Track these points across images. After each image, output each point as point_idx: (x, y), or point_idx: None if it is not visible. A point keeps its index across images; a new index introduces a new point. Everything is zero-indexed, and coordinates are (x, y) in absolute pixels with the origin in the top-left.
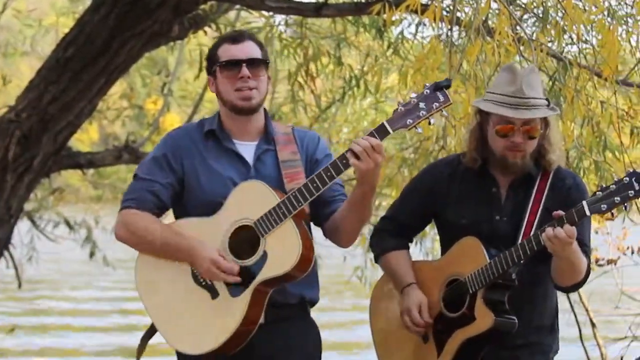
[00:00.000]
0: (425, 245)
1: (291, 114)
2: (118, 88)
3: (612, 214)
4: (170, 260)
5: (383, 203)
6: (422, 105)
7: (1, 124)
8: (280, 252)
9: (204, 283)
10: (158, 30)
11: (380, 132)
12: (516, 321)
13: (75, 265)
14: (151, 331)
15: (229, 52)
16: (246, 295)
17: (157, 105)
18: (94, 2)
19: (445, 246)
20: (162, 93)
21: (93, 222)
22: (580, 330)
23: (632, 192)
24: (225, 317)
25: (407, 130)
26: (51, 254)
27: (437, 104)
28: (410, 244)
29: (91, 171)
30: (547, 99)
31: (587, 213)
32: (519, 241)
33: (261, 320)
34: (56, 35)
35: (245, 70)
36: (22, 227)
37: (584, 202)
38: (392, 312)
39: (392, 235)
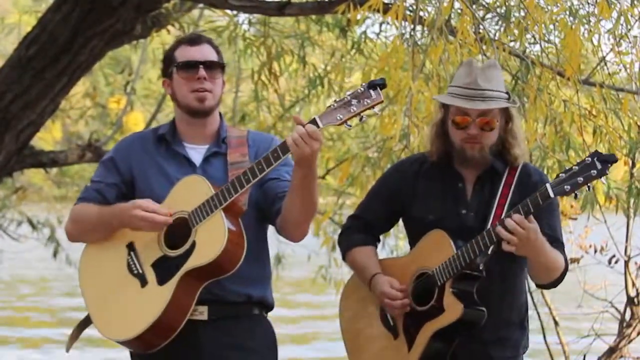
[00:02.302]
0: (389, 244)
1: (255, 113)
2: (81, 87)
3: (576, 195)
4: (109, 249)
5: (347, 202)
6: (354, 102)
7: None
8: (206, 242)
9: (135, 272)
10: (121, 29)
11: (312, 125)
12: (485, 312)
13: None
14: (86, 321)
15: (186, 53)
16: (172, 283)
17: (120, 104)
18: (56, 0)
19: (413, 243)
20: (125, 92)
21: (56, 221)
22: (543, 330)
23: (595, 171)
24: (150, 304)
25: (337, 125)
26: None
27: (368, 101)
28: (377, 242)
29: (54, 170)
30: (507, 93)
31: (551, 194)
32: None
33: (204, 317)
34: (18, 34)
35: (202, 72)
36: None
37: (547, 185)
38: (362, 310)
39: (358, 232)
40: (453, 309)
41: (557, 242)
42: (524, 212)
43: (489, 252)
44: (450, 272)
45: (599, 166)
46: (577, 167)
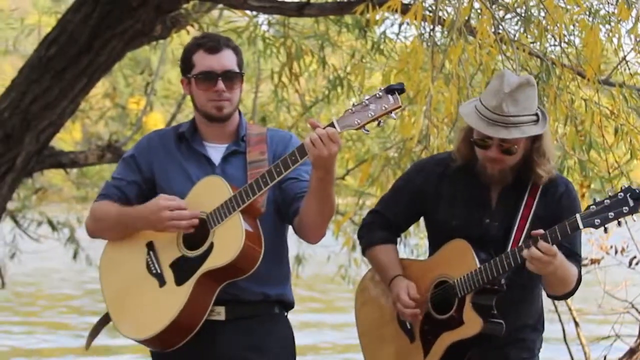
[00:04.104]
0: (410, 243)
1: (275, 114)
2: (101, 88)
3: (606, 229)
4: (129, 249)
5: (367, 202)
6: (372, 106)
7: None
8: (224, 244)
9: (154, 272)
10: (140, 30)
11: (332, 127)
12: (504, 325)
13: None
14: (105, 319)
15: (205, 62)
16: (189, 284)
17: (139, 104)
18: (76, 1)
19: (435, 246)
20: (144, 93)
21: (76, 221)
22: (564, 330)
23: (627, 208)
24: (167, 304)
25: (355, 129)
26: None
27: (385, 107)
28: (398, 239)
29: (74, 171)
30: (537, 113)
31: (581, 227)
32: (509, 247)
33: (221, 317)
34: (38, 35)
35: (220, 85)
36: (5, 226)
37: (578, 216)
38: (378, 310)
39: (380, 228)
40: (472, 324)
41: (574, 256)
42: (551, 240)
43: (512, 269)
44: (472, 286)
45: (631, 203)
46: (608, 201)
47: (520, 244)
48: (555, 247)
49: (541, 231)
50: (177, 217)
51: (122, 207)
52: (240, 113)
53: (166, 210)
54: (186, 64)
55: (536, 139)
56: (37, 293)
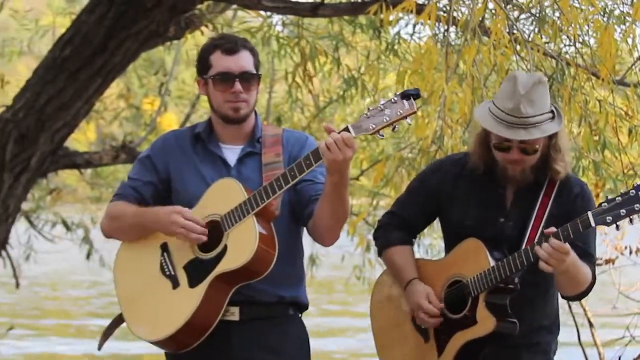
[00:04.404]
0: (424, 243)
1: (289, 114)
2: (115, 88)
3: (617, 226)
4: (143, 250)
5: (381, 203)
6: (387, 111)
7: None
8: (237, 246)
9: (167, 273)
10: (154, 30)
11: (347, 132)
12: (517, 324)
13: None
14: (118, 320)
15: (222, 63)
16: (203, 286)
17: (154, 105)
18: (91, 2)
19: (449, 245)
20: (159, 93)
21: (90, 222)
22: (578, 331)
23: (638, 205)
24: (181, 306)
25: (370, 134)
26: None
27: (400, 112)
28: (414, 240)
29: (88, 171)
30: (552, 110)
31: (592, 224)
32: (524, 246)
33: (235, 317)
34: (53, 36)
35: (238, 86)
36: (20, 227)
37: (590, 213)
38: (393, 310)
39: (396, 229)
40: (486, 322)
41: (587, 256)
42: (563, 237)
43: (525, 268)
44: (486, 285)
45: None
46: (620, 199)
47: (533, 242)
48: (567, 245)
49: (553, 229)
50: (191, 225)
51: (138, 207)
52: (256, 114)
53: (180, 215)
54: (203, 65)
55: (552, 136)
56: (51, 294)
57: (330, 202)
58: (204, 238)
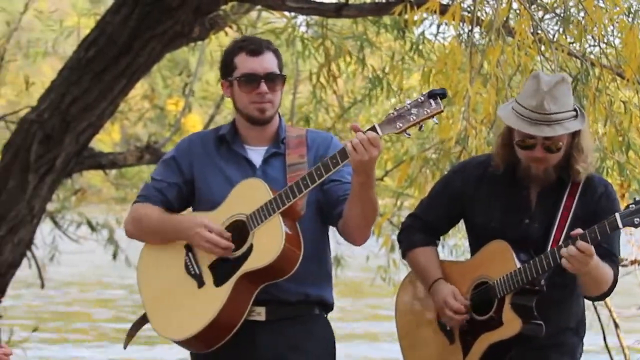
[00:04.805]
0: (449, 244)
1: (313, 115)
2: (139, 89)
3: None
4: (167, 249)
5: (405, 203)
6: (414, 111)
7: (23, 124)
8: (263, 245)
9: (192, 272)
10: (179, 31)
11: (372, 132)
12: (543, 326)
13: None
14: (143, 319)
15: (247, 64)
16: (228, 285)
17: (178, 106)
18: (115, 3)
19: (474, 247)
20: (183, 94)
21: (115, 222)
22: (604, 332)
23: None
24: (206, 305)
25: (397, 133)
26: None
27: (427, 111)
28: (437, 241)
29: (113, 172)
30: (575, 109)
31: (620, 226)
32: (549, 247)
33: (262, 318)
34: (78, 36)
35: (263, 87)
36: (45, 228)
37: (617, 215)
38: (418, 311)
39: (419, 231)
40: (512, 324)
41: (611, 256)
42: (590, 239)
43: (551, 269)
44: (512, 286)
45: None
46: None
47: (559, 243)
48: (592, 248)
49: (580, 230)
50: (215, 239)
51: (163, 214)
52: (279, 115)
53: (205, 229)
54: (227, 67)
55: (575, 135)
56: (76, 294)
57: (358, 202)
58: (229, 251)
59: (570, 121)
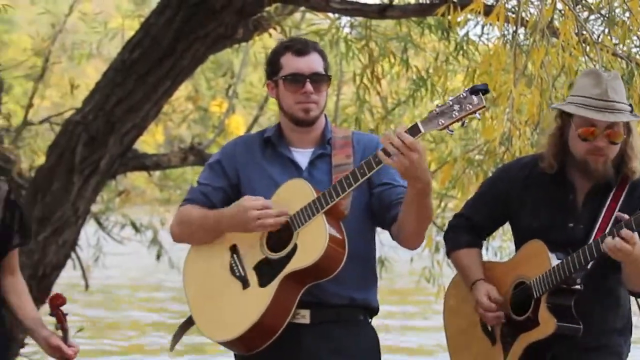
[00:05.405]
0: (493, 245)
1: (357, 116)
2: (183, 91)
3: None
4: (213, 252)
5: (449, 204)
6: (456, 107)
7: (68, 126)
8: (307, 245)
9: (237, 274)
10: (223, 33)
11: (413, 131)
12: (581, 326)
13: None
14: (189, 321)
15: (293, 64)
16: (273, 285)
17: (222, 107)
18: (159, 4)
19: (519, 248)
20: (227, 95)
21: (159, 224)
22: None
23: None
24: (251, 306)
25: (439, 130)
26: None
27: (470, 107)
28: (483, 242)
29: (157, 173)
30: (630, 105)
31: None
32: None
33: (306, 320)
34: (122, 38)
35: (309, 86)
36: (89, 229)
37: None
38: (464, 312)
39: (465, 232)
40: (547, 324)
41: None
42: (636, 226)
43: (588, 267)
44: (547, 285)
45: None
46: None
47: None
48: (636, 235)
49: (626, 216)
50: (264, 215)
51: (206, 210)
52: (325, 116)
53: (253, 210)
54: (273, 67)
55: (629, 133)
56: (121, 296)
57: (413, 208)
58: (283, 219)
59: (629, 114)
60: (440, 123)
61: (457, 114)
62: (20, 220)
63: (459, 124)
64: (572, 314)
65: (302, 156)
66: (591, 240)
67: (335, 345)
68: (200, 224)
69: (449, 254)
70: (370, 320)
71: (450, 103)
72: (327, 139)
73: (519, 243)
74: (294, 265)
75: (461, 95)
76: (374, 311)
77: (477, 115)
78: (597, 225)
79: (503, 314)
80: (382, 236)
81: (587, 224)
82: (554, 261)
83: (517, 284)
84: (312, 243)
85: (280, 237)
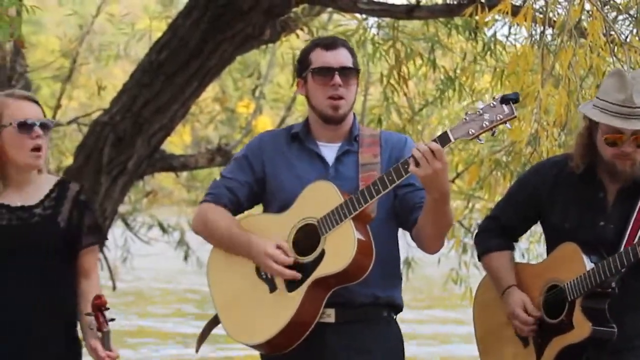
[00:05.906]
0: (521, 247)
1: (384, 116)
2: (210, 91)
3: None
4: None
5: (477, 205)
6: (486, 116)
7: (95, 126)
8: (335, 251)
9: (264, 276)
10: (250, 34)
11: (443, 139)
12: (615, 330)
13: None
14: (214, 321)
15: (322, 58)
16: (300, 291)
17: (249, 108)
18: (187, 6)
19: (550, 249)
20: (254, 96)
21: (186, 224)
22: None
23: None
24: (279, 311)
25: (469, 139)
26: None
27: (500, 116)
28: (515, 244)
29: (184, 174)
30: None
31: None
32: (621, 249)
33: (331, 319)
34: (149, 39)
35: (337, 78)
36: (116, 230)
37: None
38: (494, 314)
39: (496, 235)
40: (582, 328)
41: None
42: None
43: (623, 271)
44: (582, 289)
45: None
46: None
47: (634, 242)
48: None
49: None
50: (279, 272)
51: (232, 229)
52: (354, 114)
53: (270, 259)
54: (303, 64)
55: None
56: (148, 297)
57: (432, 215)
58: (294, 274)
59: None
60: (470, 132)
61: (487, 123)
62: (90, 220)
63: (489, 132)
64: (607, 317)
65: (329, 150)
66: (624, 242)
67: (359, 345)
68: (225, 240)
69: (480, 257)
70: (394, 317)
71: (480, 112)
72: (355, 135)
73: (550, 242)
74: (321, 271)
75: (491, 104)
76: (398, 308)
77: (507, 124)
78: (630, 225)
79: (536, 328)
80: (409, 237)
81: (617, 224)
82: (588, 265)
83: (550, 287)
84: (341, 249)
85: (307, 240)
